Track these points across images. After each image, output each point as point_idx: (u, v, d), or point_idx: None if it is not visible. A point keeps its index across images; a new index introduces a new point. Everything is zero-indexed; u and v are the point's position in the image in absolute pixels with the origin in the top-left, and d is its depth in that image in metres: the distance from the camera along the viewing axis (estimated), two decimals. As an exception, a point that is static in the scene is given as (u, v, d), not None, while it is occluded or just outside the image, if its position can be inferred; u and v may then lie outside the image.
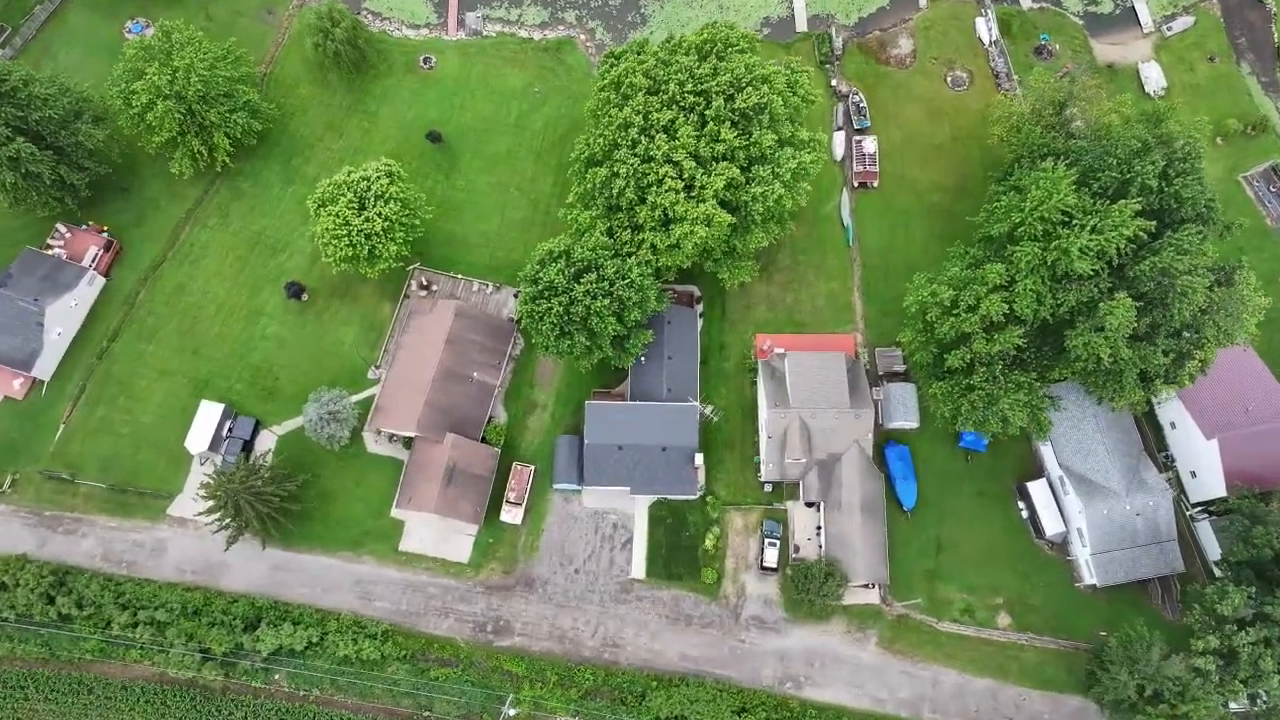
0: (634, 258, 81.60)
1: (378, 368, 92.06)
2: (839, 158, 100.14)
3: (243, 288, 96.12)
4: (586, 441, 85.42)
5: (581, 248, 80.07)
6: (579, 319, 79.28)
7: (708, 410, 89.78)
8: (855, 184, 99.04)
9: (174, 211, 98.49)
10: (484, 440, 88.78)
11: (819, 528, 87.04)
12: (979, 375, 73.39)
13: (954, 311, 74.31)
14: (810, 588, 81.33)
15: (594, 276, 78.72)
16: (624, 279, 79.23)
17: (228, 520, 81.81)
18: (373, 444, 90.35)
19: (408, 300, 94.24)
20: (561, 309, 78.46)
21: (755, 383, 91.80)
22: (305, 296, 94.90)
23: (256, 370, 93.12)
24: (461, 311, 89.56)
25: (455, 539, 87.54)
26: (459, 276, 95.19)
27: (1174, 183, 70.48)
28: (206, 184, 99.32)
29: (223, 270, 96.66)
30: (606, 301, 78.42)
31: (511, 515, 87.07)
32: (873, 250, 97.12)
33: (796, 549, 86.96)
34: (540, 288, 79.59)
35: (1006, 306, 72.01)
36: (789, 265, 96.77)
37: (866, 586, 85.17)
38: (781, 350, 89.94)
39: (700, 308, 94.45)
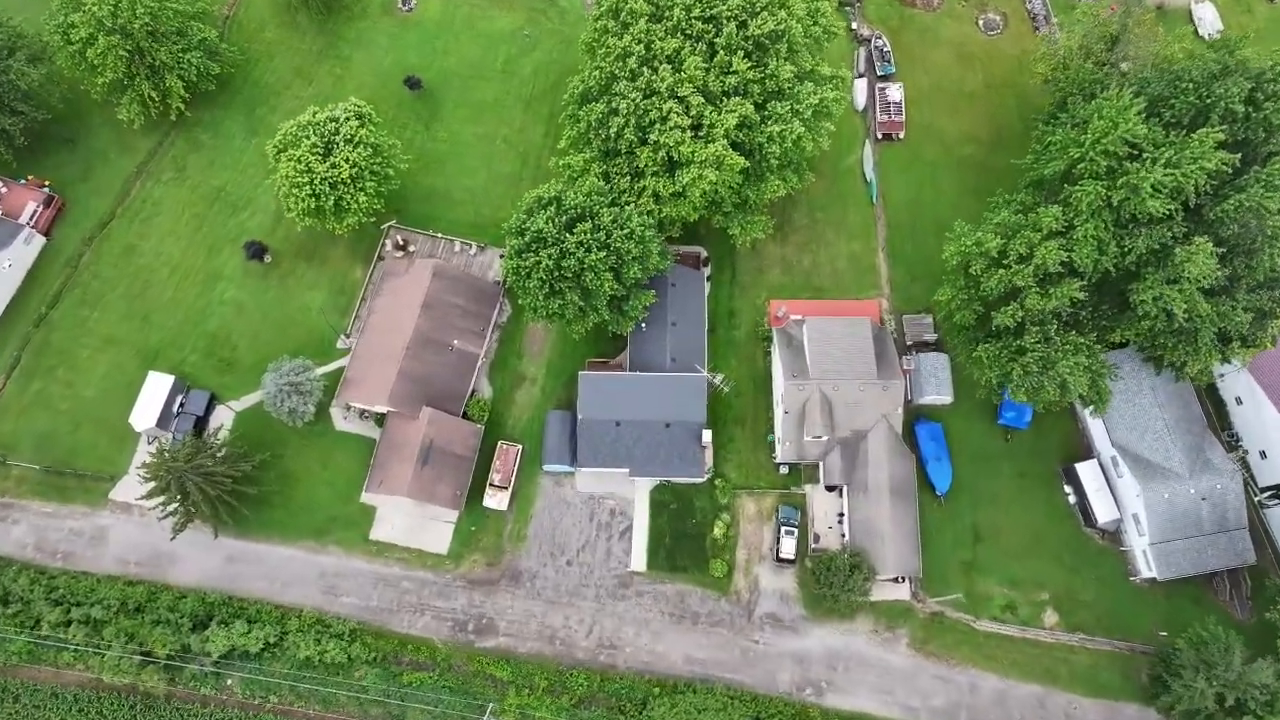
0: (634, 206, 71.87)
1: (347, 336, 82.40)
2: (860, 107, 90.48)
3: (199, 248, 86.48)
4: (580, 417, 75.75)
5: (574, 194, 70.41)
6: (571, 275, 69.58)
7: (717, 380, 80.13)
8: (879, 135, 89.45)
9: (124, 165, 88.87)
10: (465, 416, 79.13)
11: (841, 514, 77.43)
12: (1031, 336, 63.69)
13: (1003, 262, 64.66)
14: (833, 582, 71.68)
15: (588, 226, 69.03)
16: (622, 229, 69.53)
17: (174, 505, 72.15)
18: (341, 421, 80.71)
19: (382, 262, 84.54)
20: (551, 263, 68.75)
21: (769, 353, 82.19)
22: (268, 258, 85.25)
23: (213, 339, 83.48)
24: (440, 272, 79.90)
25: (432, 527, 77.89)
26: (439, 235, 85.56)
27: (1263, 108, 60.69)
28: (161, 135, 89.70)
29: (177, 229, 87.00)
30: (603, 255, 68.74)
31: (496, 500, 77.44)
32: (899, 207, 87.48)
33: (816, 538, 77.32)
34: (527, 239, 69.88)
35: (1064, 255, 62.32)
36: (806, 224, 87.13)
37: (896, 580, 75.54)
38: (799, 316, 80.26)
39: (708, 270, 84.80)
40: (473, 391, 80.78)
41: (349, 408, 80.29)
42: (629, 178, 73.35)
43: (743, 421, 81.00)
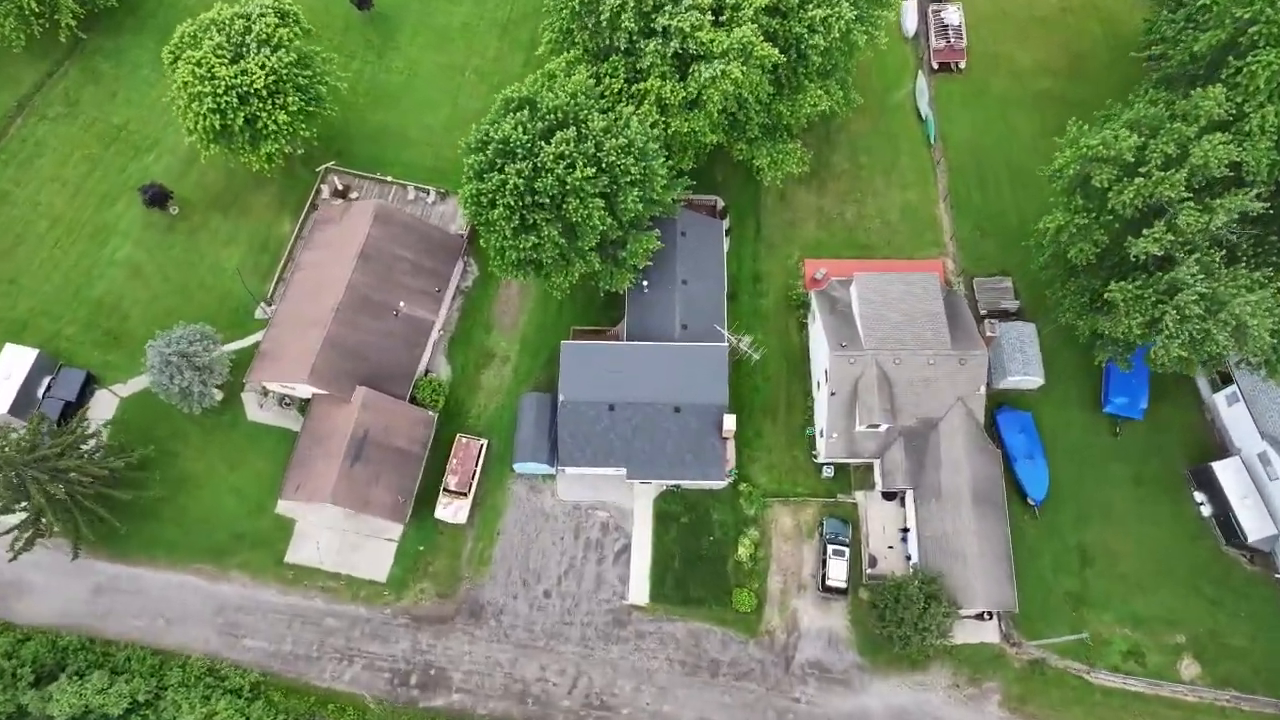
0: (635, 112, 54.51)
1: (269, 304, 64.53)
2: (911, 33, 73.86)
3: (89, 197, 69.06)
4: (561, 399, 57.57)
5: (554, 93, 53.01)
6: (549, 200, 51.98)
7: (744, 344, 61.94)
8: (935, 65, 72.67)
9: (2, 98, 71.93)
10: (414, 401, 60.96)
11: (905, 530, 58.97)
12: (1187, 268, 45.83)
13: (1140, 169, 47.09)
14: (902, 618, 53.01)
15: (571, 134, 51.54)
16: (617, 139, 52.00)
17: (16, 514, 53.81)
18: (256, 409, 62.57)
19: (315, 211, 67.02)
20: (522, 182, 51.18)
21: (806, 323, 64.35)
22: (173, 208, 67.81)
23: (98, 307, 65.66)
24: (385, 215, 62.28)
25: (368, 547, 59.36)
26: (390, 179, 68.17)
27: None
28: (52, 64, 73.04)
29: (64, 174, 69.69)
30: (590, 173, 51.15)
31: (452, 511, 59.00)
32: (962, 149, 70.31)
33: (873, 561, 58.71)
34: (490, 152, 52.32)
35: (1233, 154, 44.90)
36: (848, 169, 69.84)
37: (980, 617, 56.89)
38: (844, 278, 62.56)
39: (726, 223, 67.24)
40: (426, 371, 62.74)
41: (266, 392, 62.22)
42: (626, 82, 56.08)
43: (773, 410, 62.83)
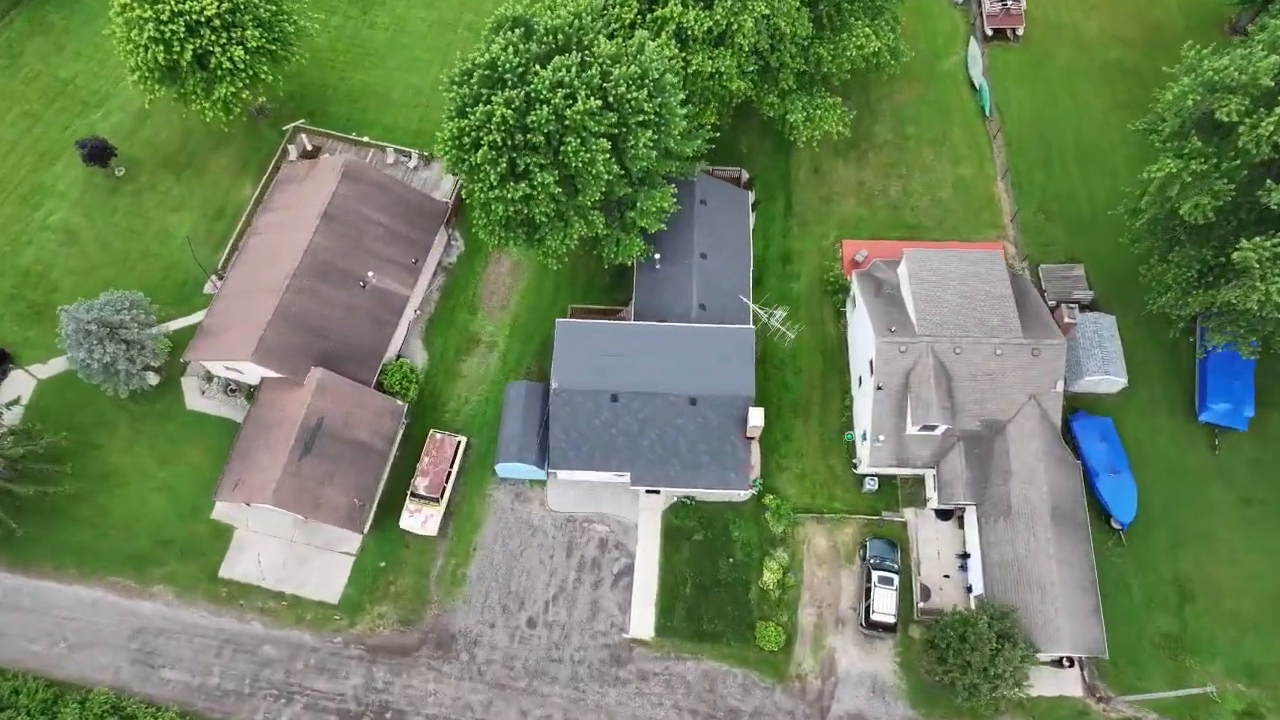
0: (652, 40, 45.70)
1: (220, 277, 55.48)
2: (961, -3, 65.72)
3: (26, 156, 60.62)
4: (555, 386, 48.04)
5: (554, 13, 44.26)
6: (544, 136, 42.96)
7: (775, 319, 52.47)
8: (988, 32, 64.24)
9: (-63, 47, 64.11)
10: (380, 388, 51.55)
11: (965, 556, 48.98)
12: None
13: (1280, 99, 38.03)
14: (968, 663, 42.71)
15: (574, 60, 42.71)
16: (628, 64, 43.08)
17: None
18: (197, 397, 53.26)
19: (279, 173, 58.27)
20: (512, 115, 42.22)
21: (845, 310, 55.07)
22: (118, 168, 59.24)
23: (24, 277, 56.79)
24: (355, 172, 53.45)
25: (320, 561, 49.55)
26: (367, 140, 59.51)
27: None
28: (-4, 12, 65.28)
29: (-1, 131, 61.49)
30: (595, 106, 42.20)
31: (420, 520, 49.28)
32: (1023, 124, 61.57)
33: (926, 593, 48.62)
34: (475, 81, 43.46)
35: None
36: (891, 140, 61.04)
37: (1058, 663, 46.55)
38: (890, 259, 53.45)
39: (753, 197, 58.24)
40: (398, 355, 53.45)
41: (210, 377, 52.94)
42: (640, 14, 47.46)
43: (805, 410, 53.21)
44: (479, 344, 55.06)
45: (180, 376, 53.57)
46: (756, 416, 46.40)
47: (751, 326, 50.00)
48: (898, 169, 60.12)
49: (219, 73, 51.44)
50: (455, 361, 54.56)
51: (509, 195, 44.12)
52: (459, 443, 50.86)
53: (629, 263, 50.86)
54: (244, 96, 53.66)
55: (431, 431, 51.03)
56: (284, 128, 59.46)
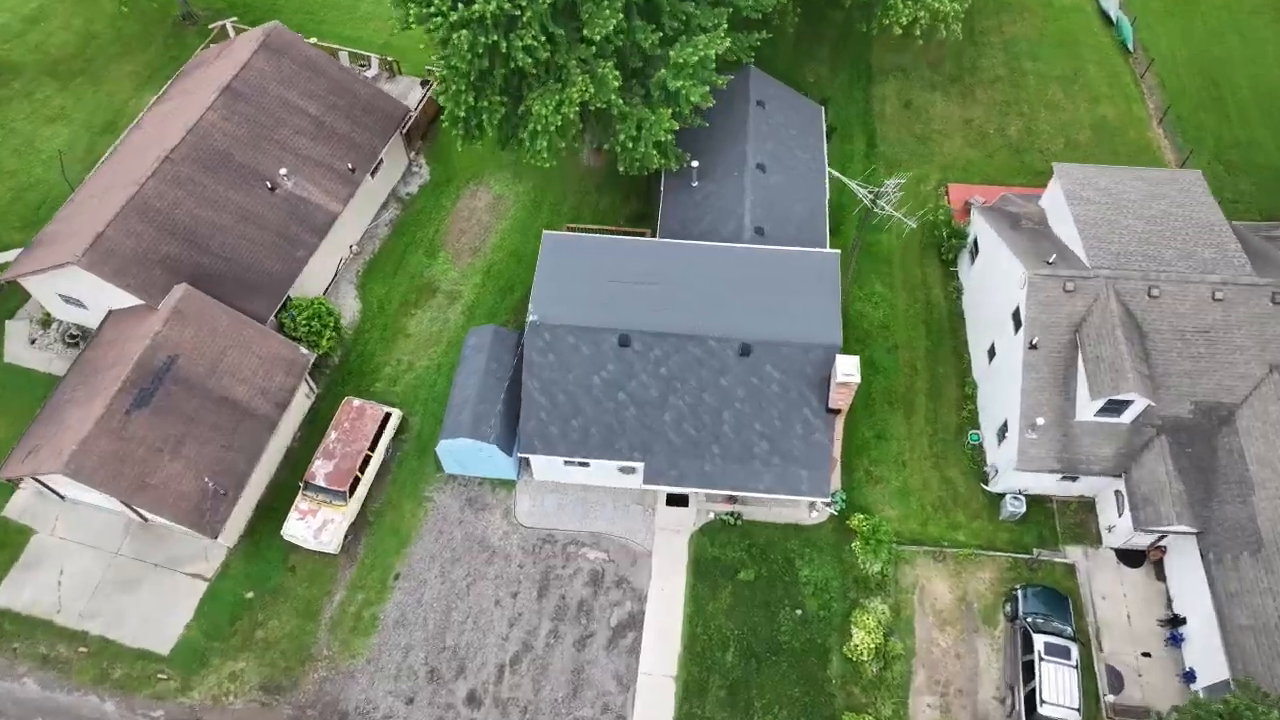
0: None
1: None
2: (1080, -76, 52.32)
3: (-124, 58, 46.96)
4: (531, 319, 31.11)
5: None
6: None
7: (888, 194, 34.50)
8: (1120, -36, 50.55)
9: None
10: (281, 330, 34.87)
11: (1175, 619, 30.41)
12: None
13: None
14: (1231, 793, 23.77)
15: None
16: None
17: None
18: (22, 346, 36.87)
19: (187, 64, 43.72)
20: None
21: (957, 270, 38.71)
22: (-12, 68, 45.33)
23: None
24: (279, 46, 38.58)
25: (153, 585, 31.68)
26: (315, 43, 44.95)
27: None
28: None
29: None
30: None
31: (313, 526, 31.68)
32: (1178, 63, 46.92)
33: (1117, 680, 29.81)
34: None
35: None
36: (1004, 76, 46.30)
37: (1360, 810, 27.17)
38: (1026, 195, 37.57)
39: (825, 119, 42.50)
40: (328, 293, 36.99)
41: (47, 321, 36.78)
42: None
43: (905, 401, 35.95)
44: (436, 294, 38.76)
45: (7, 320, 37.41)
46: (848, 366, 29.13)
47: (834, 250, 33.39)
48: (1016, 107, 45.00)
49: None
50: (400, 315, 38.13)
51: (475, 51, 28.94)
52: (386, 416, 33.80)
53: (652, 168, 34.87)
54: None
55: (348, 398, 34.08)
56: (211, 26, 45.61)
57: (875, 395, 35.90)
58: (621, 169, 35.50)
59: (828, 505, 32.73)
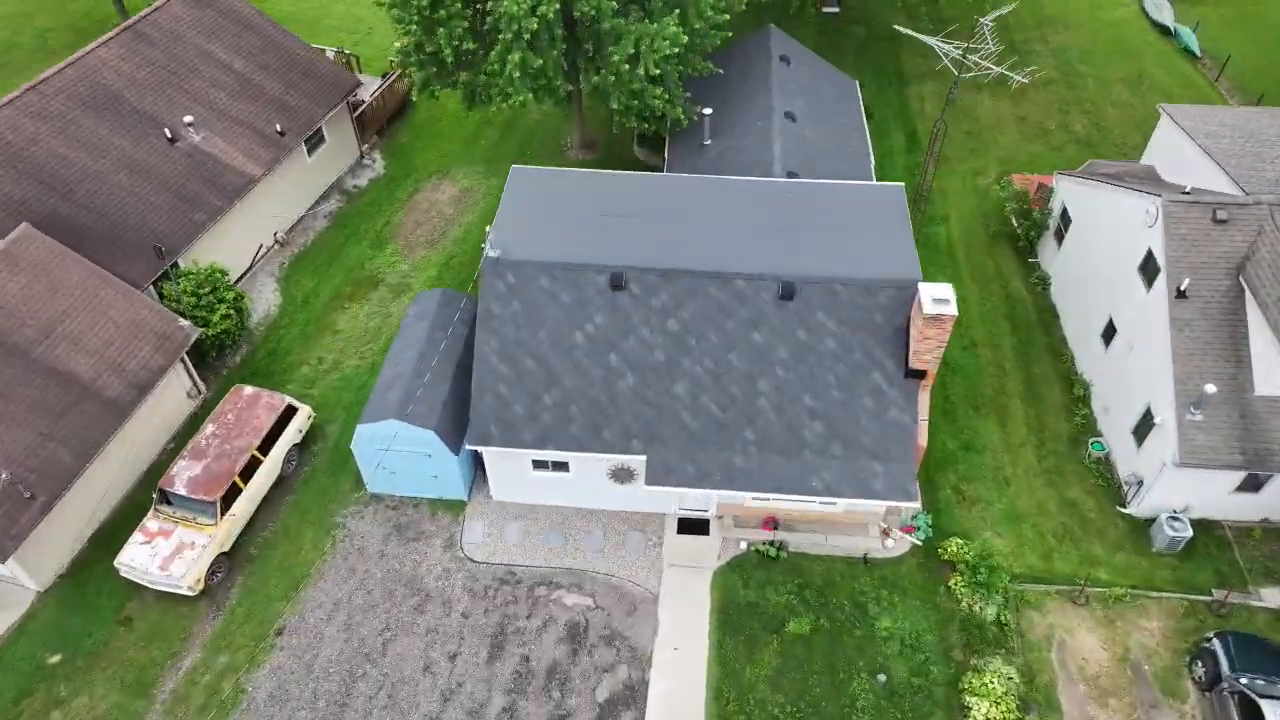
0: None
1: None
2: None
3: None
4: (489, 253, 22.46)
5: None
6: None
7: (986, 46, 28.62)
8: (1164, -15, 46.00)
9: None
10: (162, 301, 26.02)
11: None
12: None
13: None
14: None
15: None
16: None
17: None
18: None
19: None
20: None
21: (1037, 261, 30.56)
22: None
23: None
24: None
25: (-88, 641, 21.23)
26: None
27: None
28: None
29: None
30: None
31: (160, 552, 21.56)
32: (1253, 69, 40.87)
33: (1388, 778, 18.89)
34: None
35: None
36: (1057, 79, 40.27)
37: None
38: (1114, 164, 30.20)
39: (859, 98, 35.60)
40: (239, 280, 28.49)
41: None
42: None
43: (996, 405, 26.79)
44: (379, 286, 30.35)
45: None
46: (939, 293, 20.25)
47: (897, 183, 25.31)
48: (1078, 105, 38.54)
49: None
50: (330, 310, 29.52)
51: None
52: (289, 411, 24.48)
53: (651, 113, 27.58)
54: None
55: (238, 386, 24.86)
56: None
57: (955, 398, 26.81)
58: (616, 119, 28.16)
59: (907, 533, 22.96)
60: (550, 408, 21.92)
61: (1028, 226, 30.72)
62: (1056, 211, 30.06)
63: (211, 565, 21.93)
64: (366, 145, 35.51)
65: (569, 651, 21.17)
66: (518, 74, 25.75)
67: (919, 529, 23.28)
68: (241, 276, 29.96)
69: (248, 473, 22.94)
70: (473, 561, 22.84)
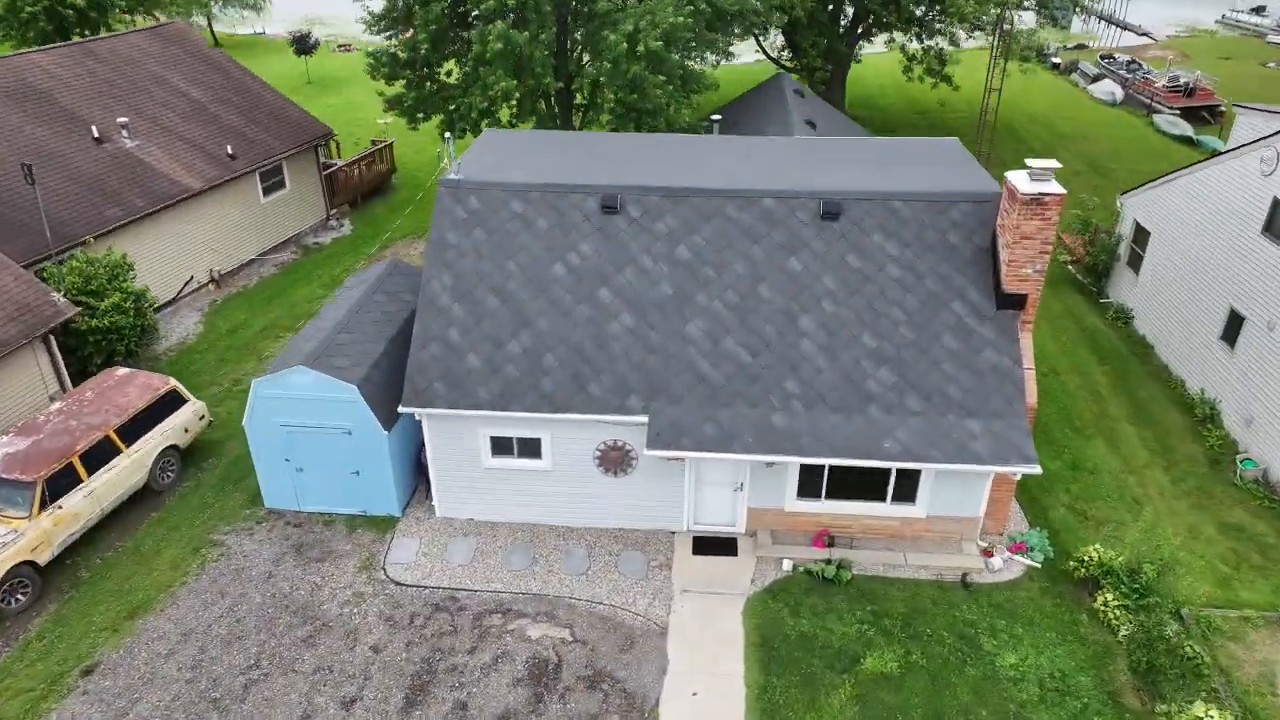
0: None
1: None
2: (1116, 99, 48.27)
3: None
4: (447, 179, 17.64)
5: None
6: None
7: None
8: (1171, 110, 45.26)
9: None
10: (43, 280, 20.62)
11: None
12: None
13: None
14: None
15: None
16: None
17: None
18: None
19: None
20: None
21: (1106, 290, 25.80)
22: None
23: None
24: (174, 37, 29.73)
25: None
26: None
27: None
28: None
29: None
30: None
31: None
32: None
33: None
34: None
35: None
36: (1086, 170, 37.73)
37: None
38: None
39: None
40: (158, 310, 23.34)
41: None
42: None
43: (1100, 430, 20.72)
44: (313, 276, 25.26)
45: None
46: (1040, 165, 15.23)
47: (952, 137, 21.03)
48: (1115, 188, 35.51)
49: None
50: (259, 338, 24.16)
51: None
52: (171, 396, 18.38)
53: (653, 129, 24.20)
54: None
55: (113, 367, 18.92)
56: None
57: (1046, 419, 20.81)
58: (610, 129, 24.67)
59: (1015, 552, 16.23)
60: (517, 356, 16.08)
61: (1096, 251, 26.19)
62: (1128, 235, 25.71)
63: (7, 575, 14.94)
64: (335, 211, 31.86)
65: (529, 697, 13.69)
66: (500, 45, 22.43)
67: (1033, 548, 16.47)
68: (162, 307, 24.91)
69: (96, 461, 16.53)
70: (397, 584, 15.80)
